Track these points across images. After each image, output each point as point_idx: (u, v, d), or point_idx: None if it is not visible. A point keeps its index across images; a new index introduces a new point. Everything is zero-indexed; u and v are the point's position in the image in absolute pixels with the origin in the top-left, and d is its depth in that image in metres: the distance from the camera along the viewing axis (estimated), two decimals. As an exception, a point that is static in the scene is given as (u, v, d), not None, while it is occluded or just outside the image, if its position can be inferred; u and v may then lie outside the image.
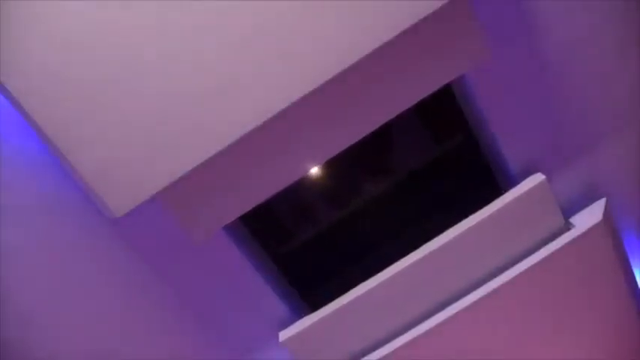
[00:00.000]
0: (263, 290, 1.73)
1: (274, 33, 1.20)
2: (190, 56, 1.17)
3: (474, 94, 1.56)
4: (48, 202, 1.47)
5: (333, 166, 1.72)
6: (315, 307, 1.79)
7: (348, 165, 1.75)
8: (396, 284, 1.65)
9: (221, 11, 1.19)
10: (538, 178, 1.60)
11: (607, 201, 1.68)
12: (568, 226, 1.66)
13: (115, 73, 1.20)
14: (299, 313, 1.81)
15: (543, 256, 1.58)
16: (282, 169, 1.40)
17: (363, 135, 1.43)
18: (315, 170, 1.72)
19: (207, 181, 1.37)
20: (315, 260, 1.83)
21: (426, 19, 1.24)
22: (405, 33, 1.24)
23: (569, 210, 1.71)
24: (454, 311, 1.62)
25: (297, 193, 1.75)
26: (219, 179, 1.37)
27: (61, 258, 1.53)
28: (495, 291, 1.60)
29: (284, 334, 1.70)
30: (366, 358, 1.68)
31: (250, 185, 1.41)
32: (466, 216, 1.69)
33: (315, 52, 1.20)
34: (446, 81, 1.41)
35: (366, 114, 1.43)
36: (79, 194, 1.47)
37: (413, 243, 1.74)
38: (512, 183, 1.70)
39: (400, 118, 1.54)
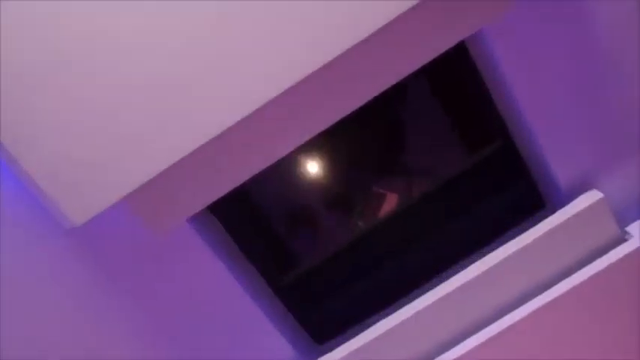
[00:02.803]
0: (264, 327, 1.62)
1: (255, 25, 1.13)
2: (158, 53, 1.11)
3: (514, 94, 1.46)
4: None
5: (346, 178, 1.74)
6: (325, 344, 1.72)
7: (363, 177, 1.77)
8: (434, 314, 1.56)
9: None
10: (595, 195, 1.54)
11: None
12: (624, 236, 1.60)
13: (74, 64, 1.10)
14: (308, 355, 1.71)
15: (601, 267, 1.53)
16: (254, 152, 1.29)
17: (363, 102, 1.28)
18: (326, 181, 1.73)
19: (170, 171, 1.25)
20: (328, 289, 1.74)
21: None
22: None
23: (622, 219, 1.64)
24: (501, 328, 1.54)
25: (304, 206, 1.75)
26: (184, 168, 1.26)
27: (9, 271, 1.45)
28: (547, 306, 1.54)
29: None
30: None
31: (220, 169, 1.30)
32: (503, 232, 1.65)
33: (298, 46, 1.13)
34: (460, 37, 1.26)
35: (367, 78, 1.28)
36: (28, 200, 1.41)
37: (443, 265, 1.69)
38: (558, 193, 1.61)
39: (428, 121, 1.53)
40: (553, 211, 1.60)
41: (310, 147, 1.63)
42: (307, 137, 1.28)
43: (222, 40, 1.11)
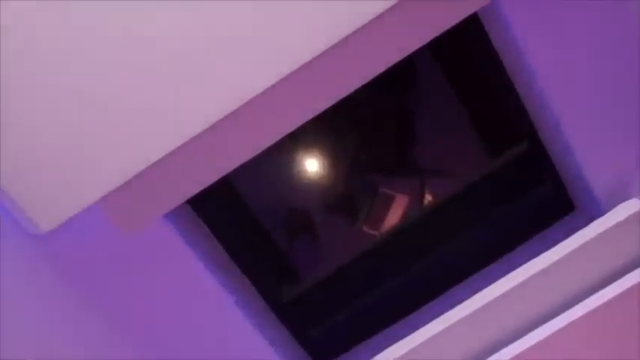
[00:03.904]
0: (257, 345, 1.56)
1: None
2: (132, 48, 1.11)
3: (538, 84, 1.40)
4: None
5: (349, 178, 1.76)
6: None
7: (369, 177, 1.78)
8: (452, 339, 1.50)
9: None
10: (636, 205, 1.47)
11: None
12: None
13: (41, 58, 1.11)
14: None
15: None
16: (232, 145, 1.28)
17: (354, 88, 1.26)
18: (327, 181, 1.75)
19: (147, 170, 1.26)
20: (330, 304, 1.68)
21: None
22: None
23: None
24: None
25: (302, 210, 1.77)
26: (160, 166, 1.25)
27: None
28: (579, 321, 1.49)
29: None
30: None
31: (197, 165, 1.28)
32: (524, 241, 1.61)
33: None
34: (466, 13, 1.23)
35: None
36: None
37: (457, 278, 1.63)
38: (590, 198, 1.54)
39: (442, 114, 1.58)
40: (584, 218, 1.56)
41: (310, 143, 1.68)
42: (290, 129, 1.28)
43: (199, 38, 1.12)
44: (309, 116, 1.27)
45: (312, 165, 1.74)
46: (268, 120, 1.27)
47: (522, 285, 1.48)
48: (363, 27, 1.17)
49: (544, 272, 1.48)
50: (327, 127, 1.64)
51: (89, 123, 1.15)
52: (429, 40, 1.25)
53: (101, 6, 1.08)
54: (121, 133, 1.16)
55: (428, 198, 1.73)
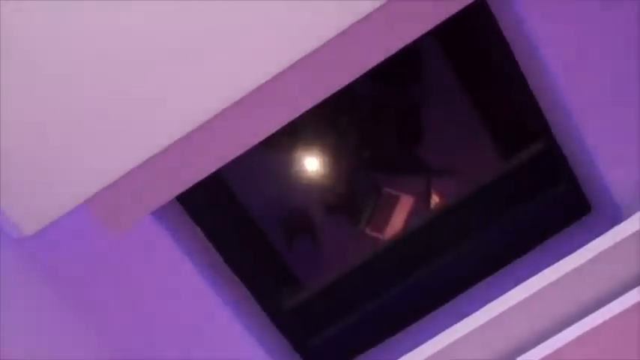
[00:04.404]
0: (254, 355, 1.54)
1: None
2: (113, 55, 1.13)
3: (553, 80, 1.36)
4: None
5: (351, 177, 1.77)
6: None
7: (372, 176, 1.78)
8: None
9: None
10: None
11: None
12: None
13: (22, 57, 1.12)
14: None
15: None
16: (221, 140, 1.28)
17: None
18: (327, 180, 1.74)
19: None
20: (331, 311, 1.63)
21: None
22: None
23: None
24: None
25: (302, 211, 1.78)
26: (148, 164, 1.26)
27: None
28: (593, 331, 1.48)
29: None
30: None
31: (184, 163, 1.28)
32: (537, 244, 1.56)
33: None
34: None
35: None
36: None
37: (466, 284, 1.58)
38: (606, 197, 1.51)
39: (450, 109, 1.60)
40: (601, 219, 1.53)
41: (309, 139, 1.67)
42: (278, 126, 1.29)
43: (187, 38, 1.13)
44: (299, 112, 1.28)
45: (311, 163, 1.73)
46: (255, 118, 1.28)
47: (538, 294, 1.47)
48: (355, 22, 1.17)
49: (562, 280, 1.46)
50: (328, 123, 1.64)
51: (73, 124, 1.16)
52: (427, 30, 1.24)
53: (86, 5, 1.09)
54: (107, 133, 1.16)
55: (435, 199, 1.73)
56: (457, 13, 1.31)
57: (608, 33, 1.32)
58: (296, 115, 1.28)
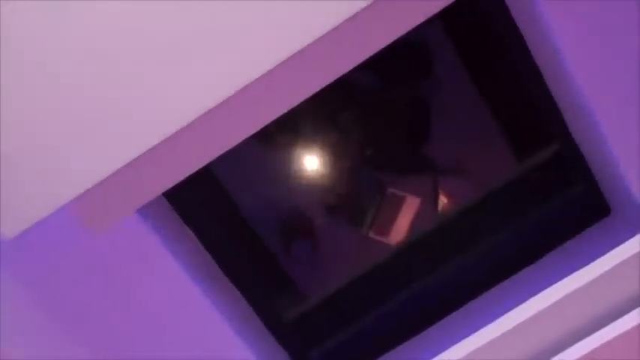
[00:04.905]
0: None
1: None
2: (97, 55, 1.14)
3: (568, 71, 1.33)
4: None
5: (354, 177, 1.77)
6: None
7: (376, 176, 1.77)
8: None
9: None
10: None
11: None
12: None
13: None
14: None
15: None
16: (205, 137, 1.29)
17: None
18: (328, 181, 1.74)
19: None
20: (332, 322, 1.60)
21: None
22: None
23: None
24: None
25: (301, 214, 1.77)
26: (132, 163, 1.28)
27: None
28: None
29: None
30: None
31: (170, 159, 1.28)
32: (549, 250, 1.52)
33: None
34: None
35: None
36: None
37: (477, 291, 1.54)
38: (626, 198, 1.49)
39: (459, 104, 1.60)
40: (621, 221, 1.50)
41: (309, 137, 1.66)
42: (264, 123, 1.27)
43: (170, 40, 1.15)
44: (285, 110, 1.27)
45: (311, 162, 1.72)
46: (239, 117, 1.26)
47: (555, 305, 1.43)
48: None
49: (581, 289, 1.43)
50: (329, 119, 1.63)
51: (55, 124, 1.16)
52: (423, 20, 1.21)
53: (68, 4, 1.09)
54: (91, 133, 1.16)
55: (442, 200, 1.71)
56: (468, 3, 1.28)
57: (633, 27, 1.28)
58: (282, 112, 1.27)
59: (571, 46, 1.29)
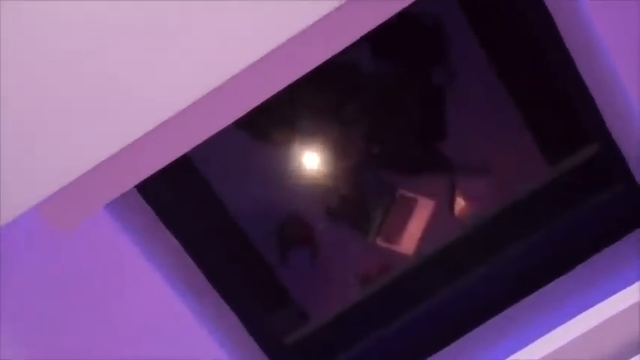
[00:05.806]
0: None
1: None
2: (75, 52, 1.06)
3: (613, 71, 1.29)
4: None
5: (360, 177, 1.70)
6: None
7: (385, 176, 1.70)
8: None
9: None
10: None
11: None
12: None
13: None
14: None
15: None
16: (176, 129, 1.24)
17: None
18: (330, 181, 1.69)
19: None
20: (336, 340, 1.56)
21: None
22: None
23: None
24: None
25: (299, 218, 1.72)
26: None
27: None
28: None
29: None
30: None
31: (141, 153, 1.26)
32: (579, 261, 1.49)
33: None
34: None
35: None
36: None
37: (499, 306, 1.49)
38: None
39: (478, 96, 1.57)
40: None
41: (308, 132, 1.61)
42: (242, 113, 1.20)
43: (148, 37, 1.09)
44: (260, 101, 1.18)
45: (311, 160, 1.66)
46: (215, 110, 1.18)
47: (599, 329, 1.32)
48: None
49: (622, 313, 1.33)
50: (331, 112, 1.56)
51: (22, 124, 1.12)
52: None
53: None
54: (58, 134, 1.13)
55: (459, 203, 1.63)
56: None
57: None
58: (255, 104, 1.17)
59: (613, 37, 1.22)
